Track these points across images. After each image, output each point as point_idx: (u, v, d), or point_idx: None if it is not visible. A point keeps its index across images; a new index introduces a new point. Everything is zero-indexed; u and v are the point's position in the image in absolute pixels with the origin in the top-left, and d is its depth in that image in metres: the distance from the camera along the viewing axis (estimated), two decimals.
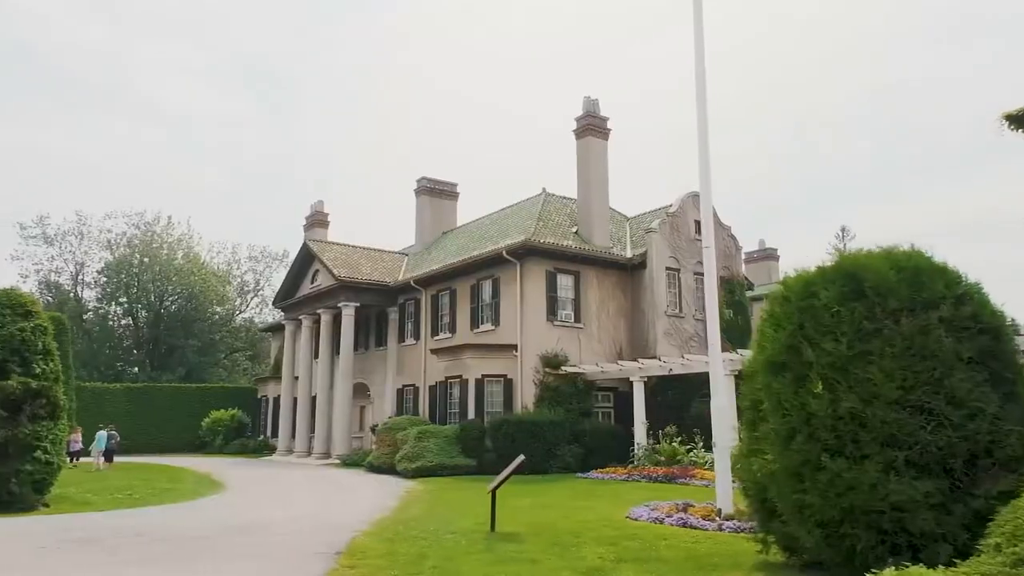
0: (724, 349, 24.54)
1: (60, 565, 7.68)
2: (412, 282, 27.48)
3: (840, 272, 6.23)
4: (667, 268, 24.68)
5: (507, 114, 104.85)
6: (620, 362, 21.51)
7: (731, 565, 7.24)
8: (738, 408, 9.60)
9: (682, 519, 10.11)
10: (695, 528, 9.67)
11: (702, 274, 25.56)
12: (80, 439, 24.04)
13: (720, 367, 11.23)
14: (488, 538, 9.13)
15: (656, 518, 10.46)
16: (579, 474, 19.27)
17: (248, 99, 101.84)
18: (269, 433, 35.62)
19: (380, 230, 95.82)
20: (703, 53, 11.79)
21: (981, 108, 78.23)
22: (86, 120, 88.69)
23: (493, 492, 9.97)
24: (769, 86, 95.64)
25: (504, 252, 22.83)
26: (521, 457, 10.36)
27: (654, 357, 22.71)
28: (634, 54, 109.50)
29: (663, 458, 18.48)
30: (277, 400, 35.97)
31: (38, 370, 12.87)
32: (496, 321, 23.88)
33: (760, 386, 6.52)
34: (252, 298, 56.11)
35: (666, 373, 20.06)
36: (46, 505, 12.89)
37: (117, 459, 24.38)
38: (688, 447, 18.74)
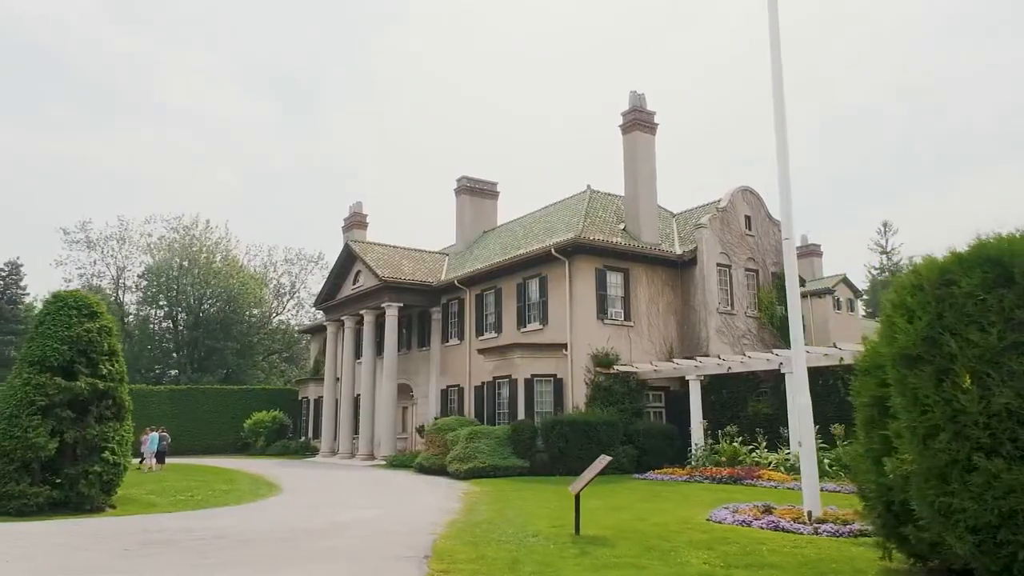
0: (778, 347, 24.04)
1: (151, 568, 7.52)
2: (456, 282, 27.26)
3: (982, 257, 5.77)
4: (718, 264, 24.13)
5: (533, 117, 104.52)
6: (676, 360, 21.03)
7: (852, 572, 6.81)
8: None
9: (772, 522, 9.66)
10: (789, 532, 9.23)
11: (754, 270, 25.15)
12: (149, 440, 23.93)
13: (803, 364, 10.75)
14: (575, 542, 8.79)
15: (742, 521, 10.03)
16: (636, 475, 18.84)
17: (275, 104, 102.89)
18: (310, 434, 35.72)
19: (410, 231, 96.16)
20: (779, 55, 11.34)
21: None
22: (116, 127, 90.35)
23: (577, 495, 9.61)
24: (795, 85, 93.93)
25: (552, 250, 22.49)
26: (607, 458, 9.98)
27: (706, 355, 22.20)
28: (650, 52, 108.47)
29: (724, 458, 17.97)
30: (318, 402, 36.06)
31: (104, 371, 12.85)
32: (544, 320, 23.54)
33: (891, 381, 6.07)
34: (288, 300, 56.55)
35: (725, 371, 19.55)
36: (112, 507, 12.86)
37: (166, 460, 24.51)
38: (750, 447, 18.19)
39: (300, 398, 38.03)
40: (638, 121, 24.74)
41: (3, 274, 54.43)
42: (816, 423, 17.10)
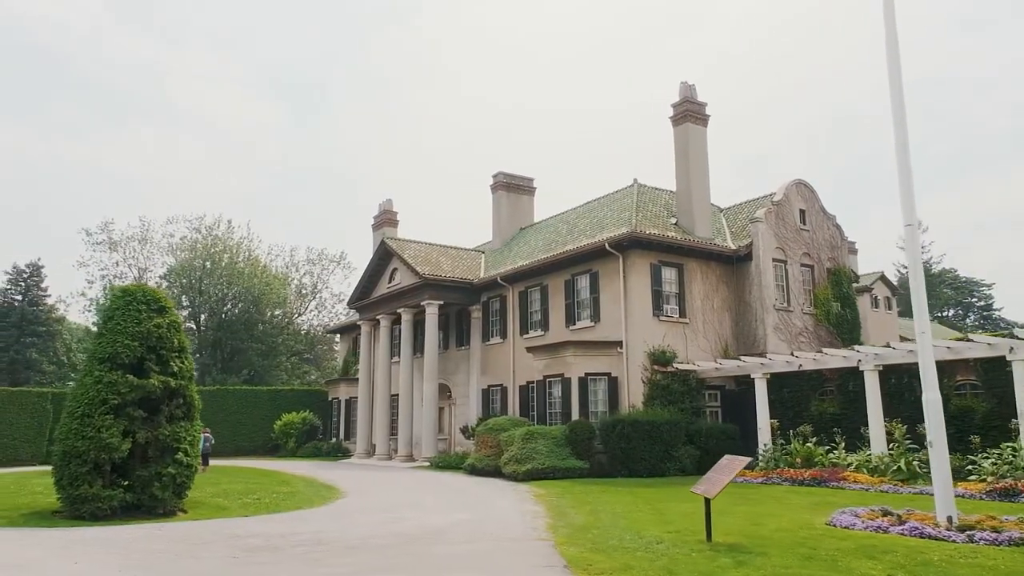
0: (833, 344, 23.32)
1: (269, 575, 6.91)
2: (499, 279, 26.62)
3: None
4: (773, 260, 23.42)
5: (553, 112, 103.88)
6: (743, 358, 20.31)
7: None
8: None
9: (914, 529, 8.96)
10: (939, 539, 8.53)
11: (809, 266, 24.43)
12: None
13: (931, 357, 10.04)
14: (714, 548, 8.14)
15: (877, 527, 9.34)
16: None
17: (287, 108, 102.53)
18: (342, 435, 35.12)
19: (428, 232, 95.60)
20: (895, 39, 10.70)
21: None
22: (127, 131, 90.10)
23: (708, 500, 8.94)
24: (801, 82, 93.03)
25: (606, 244, 21.83)
26: (744, 459, 9.31)
27: (763, 353, 21.53)
28: (669, 48, 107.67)
29: (798, 459, 17.25)
30: (349, 402, 35.47)
31: (175, 368, 12.28)
32: (595, 317, 22.88)
33: None
34: (310, 301, 55.97)
35: (795, 369, 18.83)
36: (184, 510, 12.26)
37: None
38: (826, 448, 17.47)
39: (331, 399, 37.44)
40: (689, 112, 24.06)
41: (24, 276, 54.16)
42: (902, 422, 16.50)
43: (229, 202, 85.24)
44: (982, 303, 61.07)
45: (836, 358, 17.61)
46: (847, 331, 24.25)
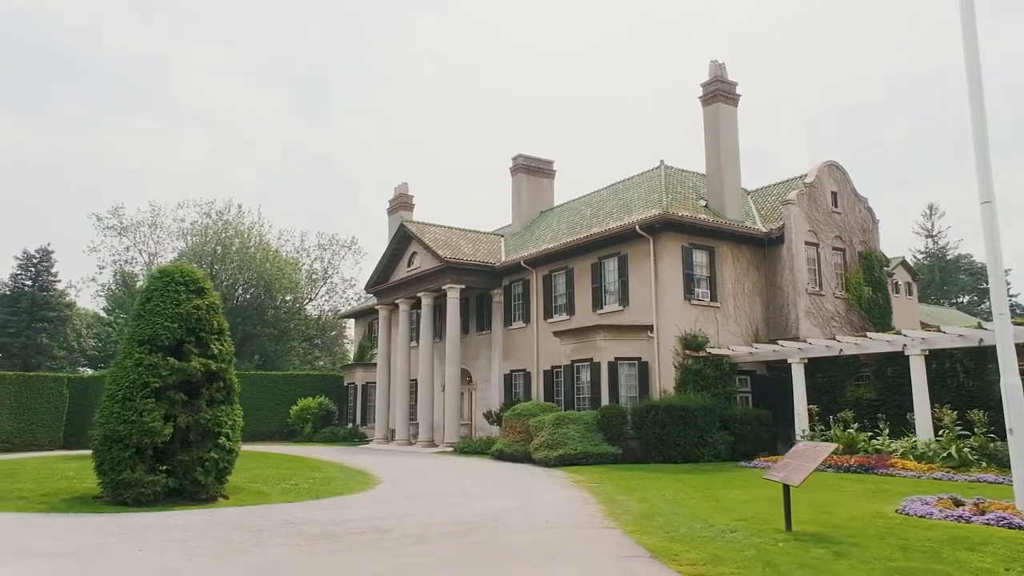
0: (865, 329, 22.91)
1: (347, 565, 6.57)
2: (522, 262, 26.21)
3: None
4: (806, 243, 22.96)
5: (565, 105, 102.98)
6: (781, 342, 19.92)
7: None
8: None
9: (1001, 518, 8.59)
10: None
11: (841, 249, 23.96)
12: None
13: (1011, 339, 9.63)
14: (799, 539, 7.80)
15: (958, 516, 8.98)
16: (743, 463, 17.82)
17: (290, 97, 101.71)
18: (358, 420, 34.88)
19: (443, 218, 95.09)
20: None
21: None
22: (130, 123, 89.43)
23: (787, 487, 8.58)
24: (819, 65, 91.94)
25: (637, 227, 21.39)
26: (829, 447, 8.93)
27: (795, 338, 21.15)
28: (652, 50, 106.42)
29: (840, 446, 16.87)
30: (365, 387, 35.20)
31: (215, 350, 11.91)
32: (624, 301, 22.48)
33: None
34: (321, 286, 55.61)
35: (835, 354, 18.43)
36: (225, 496, 11.94)
37: None
38: (869, 434, 17.10)
39: (346, 384, 37.15)
40: (720, 92, 23.52)
41: (35, 261, 53.84)
42: (952, 407, 16.08)
43: (236, 191, 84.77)
44: None
45: (880, 342, 17.20)
46: (879, 316, 23.83)
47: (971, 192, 73.33)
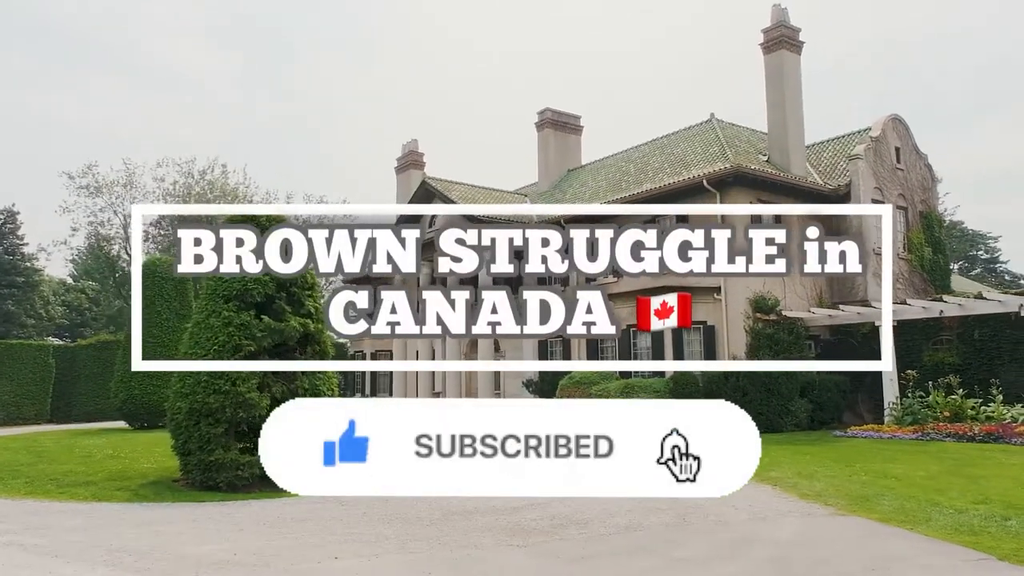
0: (927, 292, 21.92)
1: (622, 567, 4.98)
2: (561, 221, 24.50)
3: None
4: (872, 200, 21.75)
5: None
6: (874, 302, 18.72)
7: None
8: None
9: None
10: None
11: (904, 208, 22.80)
12: None
13: None
14: None
15: None
16: (837, 433, 16.64)
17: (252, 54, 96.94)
18: (368, 391, 33.09)
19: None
20: None
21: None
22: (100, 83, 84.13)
23: None
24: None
25: (704, 181, 19.86)
26: None
27: (864, 301, 20.03)
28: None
29: (946, 413, 15.83)
30: (374, 355, 33.36)
31: (310, 308, 10.04)
32: None
33: None
34: None
35: (935, 316, 17.32)
36: None
37: None
38: (977, 400, 16.07)
39: (352, 353, 35.21)
40: (784, 38, 21.94)
41: None
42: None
43: (222, 150, 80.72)
44: (987, 255, 61.00)
45: (991, 303, 16.09)
46: (939, 278, 22.91)
47: (968, 160, 73.24)
